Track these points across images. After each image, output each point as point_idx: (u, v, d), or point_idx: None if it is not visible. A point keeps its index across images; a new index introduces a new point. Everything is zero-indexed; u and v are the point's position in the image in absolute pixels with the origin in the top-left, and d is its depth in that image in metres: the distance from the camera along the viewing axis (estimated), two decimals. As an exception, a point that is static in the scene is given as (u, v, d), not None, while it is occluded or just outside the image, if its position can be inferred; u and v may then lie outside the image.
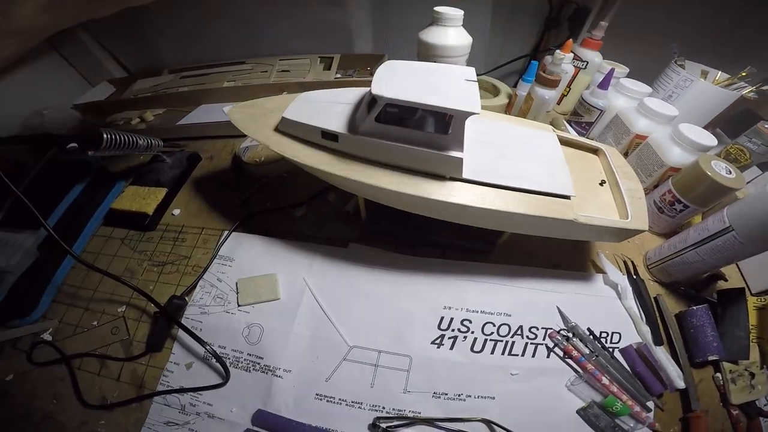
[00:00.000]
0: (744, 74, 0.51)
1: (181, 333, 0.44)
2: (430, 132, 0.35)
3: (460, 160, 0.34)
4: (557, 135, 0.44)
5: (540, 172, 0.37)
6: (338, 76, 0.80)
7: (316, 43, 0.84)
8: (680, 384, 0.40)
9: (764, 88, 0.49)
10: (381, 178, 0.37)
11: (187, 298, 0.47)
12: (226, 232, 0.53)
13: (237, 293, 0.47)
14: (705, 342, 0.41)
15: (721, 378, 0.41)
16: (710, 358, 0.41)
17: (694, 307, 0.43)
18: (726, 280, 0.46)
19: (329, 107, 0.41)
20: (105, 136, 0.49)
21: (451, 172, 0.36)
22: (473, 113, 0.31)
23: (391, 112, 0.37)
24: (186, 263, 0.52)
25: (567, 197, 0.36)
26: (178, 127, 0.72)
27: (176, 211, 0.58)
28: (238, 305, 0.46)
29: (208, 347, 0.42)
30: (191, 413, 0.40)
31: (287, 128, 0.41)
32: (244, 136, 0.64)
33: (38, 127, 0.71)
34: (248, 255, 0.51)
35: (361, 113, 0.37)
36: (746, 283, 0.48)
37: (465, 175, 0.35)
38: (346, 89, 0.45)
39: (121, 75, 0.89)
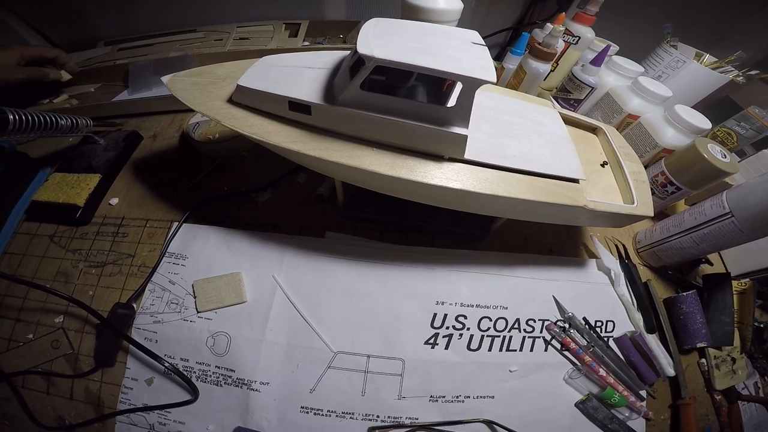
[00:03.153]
0: (732, 58, 0.50)
1: (132, 347, 0.39)
2: (428, 103, 0.29)
3: (464, 137, 0.29)
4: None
5: (547, 153, 0.33)
6: (306, 43, 0.72)
7: (280, 8, 0.75)
8: (671, 372, 0.40)
9: (752, 72, 0.49)
10: (365, 159, 0.30)
11: (134, 305, 0.41)
12: (175, 224, 0.45)
13: (195, 297, 0.40)
14: (694, 329, 0.41)
15: (706, 364, 0.42)
16: (699, 345, 0.41)
17: (684, 294, 0.42)
18: (711, 264, 0.46)
19: (298, 73, 0.34)
20: (10, 117, 0.40)
21: (451, 152, 0.30)
22: (488, 81, 0.25)
23: (378, 79, 0.31)
24: (130, 263, 0.44)
25: (576, 181, 0.33)
26: (114, 103, 0.61)
27: (114, 201, 0.49)
28: (198, 311, 0.40)
29: (166, 363, 0.37)
30: None
31: (244, 99, 0.34)
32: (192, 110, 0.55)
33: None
34: (204, 250, 0.43)
35: (342, 79, 0.31)
36: (725, 267, 0.48)
37: (467, 156, 0.30)
38: (320, 52, 0.37)
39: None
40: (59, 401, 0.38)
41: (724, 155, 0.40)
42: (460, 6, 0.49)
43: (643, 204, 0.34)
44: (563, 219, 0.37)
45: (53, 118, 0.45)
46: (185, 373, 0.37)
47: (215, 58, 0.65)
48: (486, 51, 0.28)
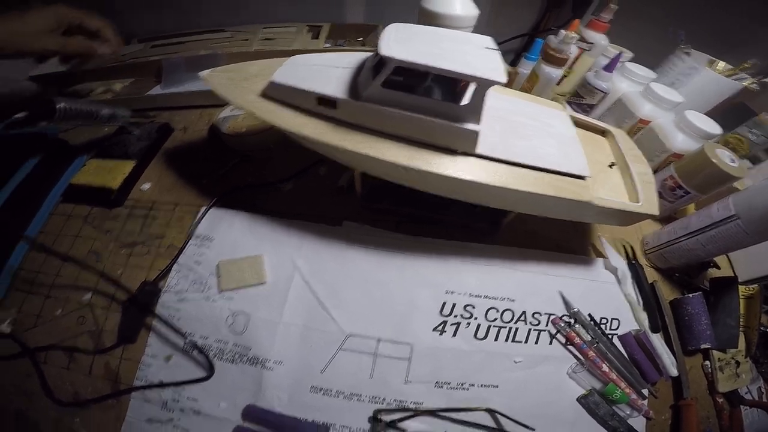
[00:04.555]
0: (747, 65, 0.51)
1: (156, 322, 0.40)
2: (443, 101, 0.31)
3: (476, 133, 0.31)
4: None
5: (555, 152, 0.35)
6: (327, 45, 0.75)
7: (303, 11, 0.78)
8: (674, 372, 0.40)
9: (766, 80, 0.49)
10: (385, 151, 0.33)
11: (161, 284, 0.43)
12: (203, 209, 0.48)
13: (218, 277, 0.42)
14: (699, 330, 0.42)
15: (709, 366, 0.42)
16: (703, 346, 0.41)
17: (690, 295, 0.43)
18: (719, 268, 0.47)
19: (325, 71, 0.36)
20: (59, 105, 0.44)
21: (464, 147, 0.33)
22: (498, 82, 0.28)
23: (397, 78, 0.33)
24: (159, 244, 0.46)
25: (582, 178, 0.34)
26: (148, 97, 0.65)
27: (146, 186, 0.52)
28: (220, 291, 0.42)
29: (187, 339, 0.39)
30: (175, 409, 0.37)
31: (276, 93, 0.37)
32: (222, 105, 0.58)
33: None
34: (229, 234, 0.46)
35: (365, 78, 0.33)
36: (734, 272, 0.49)
37: (478, 151, 0.32)
38: (344, 53, 0.40)
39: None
40: (78, 377, 0.39)
41: (733, 160, 0.41)
42: (476, 12, 0.51)
43: (649, 203, 0.36)
44: (570, 215, 0.38)
45: (96, 108, 0.49)
46: (203, 350, 0.39)
47: (242, 57, 0.69)
48: (498, 55, 0.30)
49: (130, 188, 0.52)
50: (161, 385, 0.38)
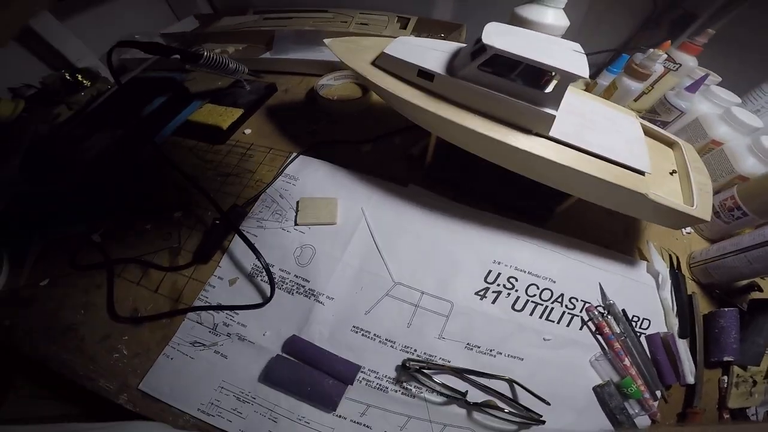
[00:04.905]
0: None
1: (232, 246, 0.45)
2: (529, 87, 0.36)
3: (553, 117, 0.36)
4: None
5: (620, 147, 0.39)
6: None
7: (396, 2, 0.85)
8: (691, 379, 0.41)
9: None
10: (469, 121, 0.39)
11: (247, 209, 0.49)
12: (294, 154, 0.56)
13: (296, 212, 0.48)
14: (726, 343, 0.42)
15: (726, 381, 0.42)
16: (726, 359, 0.42)
17: (725, 309, 0.44)
18: (761, 291, 0.47)
19: (426, 51, 0.43)
20: (204, 53, 0.54)
21: (540, 128, 0.38)
22: (582, 76, 0.32)
23: (490, 66, 0.39)
24: (249, 177, 0.53)
25: (642, 173, 0.38)
26: (260, 59, 0.76)
27: (248, 131, 0.62)
28: (296, 224, 0.47)
29: (261, 259, 0.42)
30: (222, 333, 0.39)
31: (384, 63, 0.44)
32: (320, 75, 0.67)
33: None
34: (313, 177, 0.52)
35: (461, 60, 0.39)
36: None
37: (551, 134, 0.37)
38: (441, 41, 0.47)
39: (207, 11, 0.96)
40: (143, 293, 0.40)
41: (800, 188, 0.42)
42: (567, 24, 0.55)
43: (702, 208, 0.38)
44: (624, 206, 0.41)
45: (227, 61, 0.60)
46: (272, 274, 0.42)
47: (340, 37, 0.78)
48: (584, 57, 0.35)
49: (234, 130, 0.62)
50: (219, 307, 0.40)
